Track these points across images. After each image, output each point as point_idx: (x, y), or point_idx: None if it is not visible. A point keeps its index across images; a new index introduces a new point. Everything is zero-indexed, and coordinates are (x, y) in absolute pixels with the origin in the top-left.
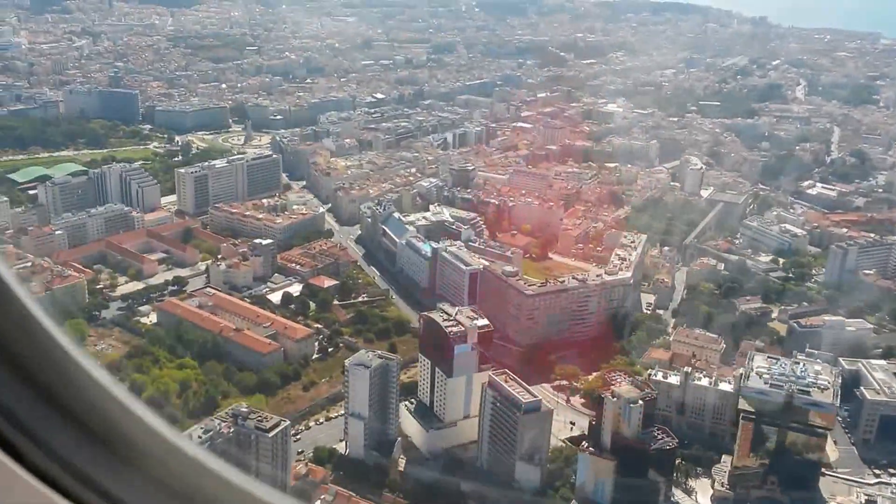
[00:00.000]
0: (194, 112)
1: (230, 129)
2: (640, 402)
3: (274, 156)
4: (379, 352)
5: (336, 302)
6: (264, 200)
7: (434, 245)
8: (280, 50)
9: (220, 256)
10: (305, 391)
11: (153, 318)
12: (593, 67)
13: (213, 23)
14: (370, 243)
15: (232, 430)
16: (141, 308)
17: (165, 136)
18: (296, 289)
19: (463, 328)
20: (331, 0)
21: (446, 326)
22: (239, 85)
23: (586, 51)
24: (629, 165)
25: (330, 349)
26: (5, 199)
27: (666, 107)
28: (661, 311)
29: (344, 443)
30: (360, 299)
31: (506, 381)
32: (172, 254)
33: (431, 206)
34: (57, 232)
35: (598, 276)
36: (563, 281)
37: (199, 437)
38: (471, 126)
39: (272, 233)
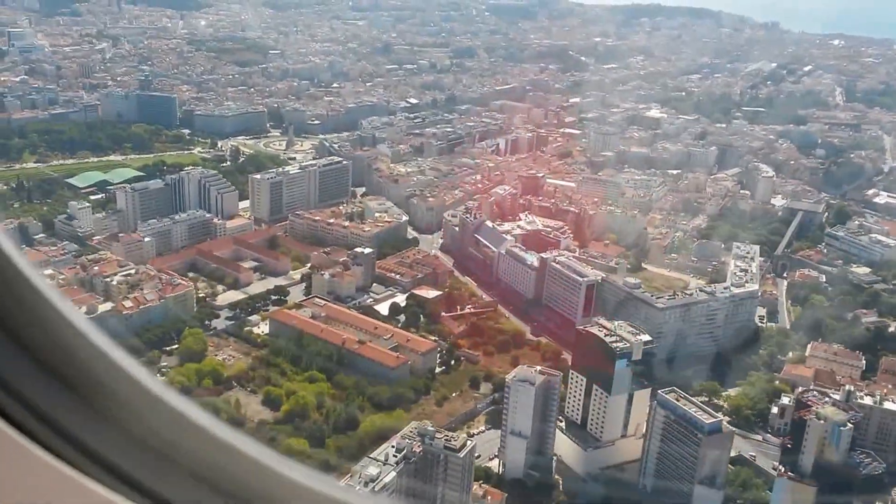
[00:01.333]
0: (234, 117)
1: (269, 134)
2: (850, 424)
3: (344, 162)
4: (539, 367)
5: (444, 313)
6: (340, 207)
7: (542, 255)
8: (303, 54)
9: (310, 265)
10: (439, 406)
11: (264, 328)
12: (617, 72)
13: (224, 26)
14: (457, 252)
15: (421, 449)
16: (249, 318)
17: (208, 140)
18: (399, 299)
19: (628, 343)
20: (339, 3)
21: (610, 342)
22: (268, 89)
23: (606, 55)
24: (694, 172)
25: (451, 362)
26: (87, 204)
27: (708, 112)
28: (773, 325)
29: (499, 462)
30: (468, 310)
31: (678, 400)
32: (263, 262)
33: (522, 215)
34: (146, 239)
35: (725, 288)
36: (692, 293)
37: (394, 456)
38: (521, 132)
39: (359, 241)
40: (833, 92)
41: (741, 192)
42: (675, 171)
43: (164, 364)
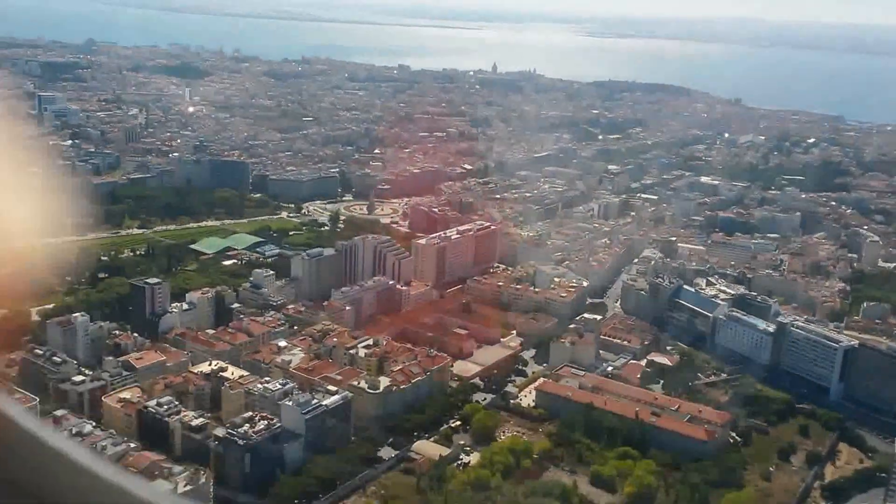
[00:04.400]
0: (309, 181)
1: (344, 199)
2: None
3: (492, 227)
4: None
5: (698, 380)
6: (506, 272)
7: (782, 319)
8: (336, 121)
9: (516, 332)
10: (766, 481)
11: (526, 399)
12: (625, 143)
13: (234, 94)
14: (647, 315)
15: None
16: (507, 389)
17: (291, 205)
18: (634, 365)
19: None
20: (336, 75)
21: None
22: (317, 154)
23: (608, 126)
24: (803, 237)
25: (735, 433)
26: (271, 272)
27: (738, 178)
28: None
29: None
30: (721, 377)
31: None
32: (470, 329)
33: (699, 280)
34: (347, 308)
35: None
36: None
37: None
38: (609, 197)
39: (556, 307)
40: (848, 161)
41: (848, 255)
42: (773, 236)
43: (463, 443)
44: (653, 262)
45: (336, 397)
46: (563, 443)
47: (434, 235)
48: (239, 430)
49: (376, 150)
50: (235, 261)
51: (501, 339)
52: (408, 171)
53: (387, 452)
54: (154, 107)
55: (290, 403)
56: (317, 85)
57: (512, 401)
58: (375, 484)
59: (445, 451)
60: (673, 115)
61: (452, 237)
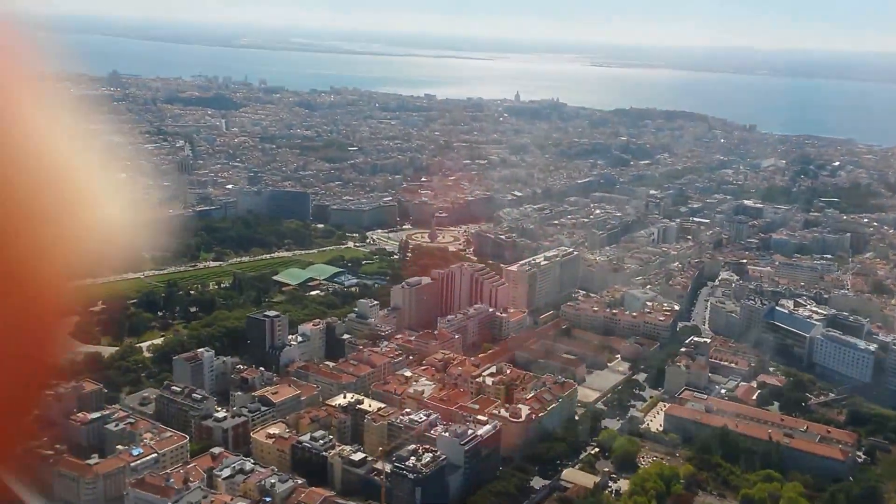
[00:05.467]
0: (370, 210)
1: (403, 227)
2: None
3: (574, 253)
4: None
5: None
6: (590, 296)
7: (883, 338)
8: (380, 150)
9: (620, 356)
10: None
11: (654, 423)
12: (656, 168)
13: (269, 124)
14: (736, 336)
15: None
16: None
17: (355, 234)
18: (746, 387)
19: None
20: (367, 105)
21: None
22: (368, 184)
23: (637, 152)
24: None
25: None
26: (376, 302)
27: (785, 203)
28: None
29: None
30: (829, 397)
31: None
32: (577, 354)
33: (784, 301)
34: (456, 336)
35: None
36: None
37: None
38: (666, 221)
39: (657, 330)
40: (876, 183)
41: None
42: (828, 256)
43: (607, 469)
44: (733, 285)
45: (487, 427)
46: (703, 467)
47: (523, 262)
48: (405, 463)
49: (423, 179)
50: (318, 291)
51: (608, 364)
52: (462, 198)
53: (536, 481)
54: (198, 138)
55: (447, 435)
56: (349, 115)
57: (640, 426)
58: None
59: (593, 479)
60: (694, 141)
61: (541, 263)
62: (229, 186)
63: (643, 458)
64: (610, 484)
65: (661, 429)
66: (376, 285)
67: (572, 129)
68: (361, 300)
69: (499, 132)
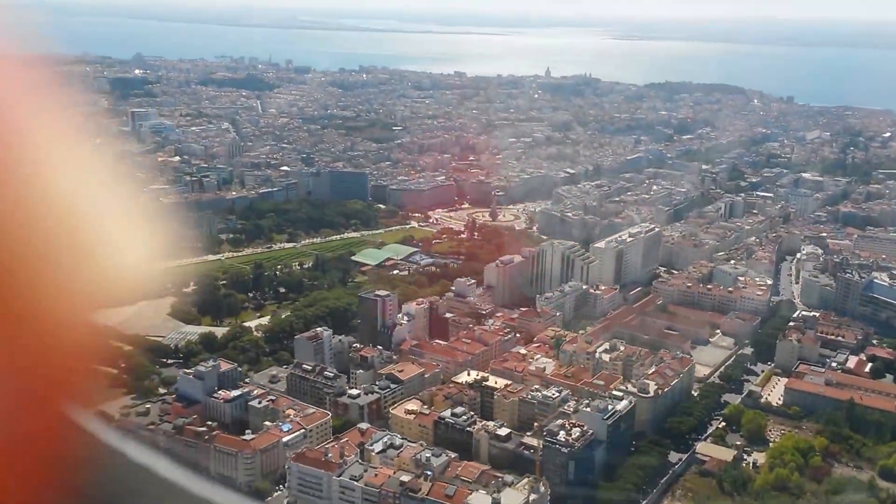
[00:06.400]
0: (429, 190)
1: (462, 206)
2: None
3: (657, 229)
4: None
5: None
6: (676, 272)
7: None
8: (425, 129)
9: (721, 331)
10: None
11: (772, 397)
12: (702, 143)
13: (305, 105)
14: (834, 307)
15: None
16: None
17: (418, 214)
18: (857, 360)
19: None
20: (399, 83)
21: None
22: (418, 163)
23: (679, 128)
24: None
25: None
26: (472, 281)
27: (842, 175)
28: None
29: None
30: None
31: None
32: (676, 329)
33: (876, 273)
34: (557, 314)
35: None
36: None
37: None
38: (732, 196)
39: (755, 305)
40: None
41: None
42: None
43: (739, 443)
44: (820, 258)
45: (624, 402)
46: (834, 439)
47: (610, 239)
48: (556, 437)
49: (471, 157)
50: (397, 271)
51: (710, 339)
52: (518, 176)
53: (671, 455)
54: (241, 120)
55: (589, 410)
56: (383, 94)
57: (760, 400)
58: (679, 487)
59: (729, 452)
60: (734, 114)
61: (627, 240)
62: (284, 168)
63: (769, 431)
64: (745, 457)
65: (780, 402)
66: (453, 264)
67: (608, 105)
68: (459, 279)
69: (535, 109)
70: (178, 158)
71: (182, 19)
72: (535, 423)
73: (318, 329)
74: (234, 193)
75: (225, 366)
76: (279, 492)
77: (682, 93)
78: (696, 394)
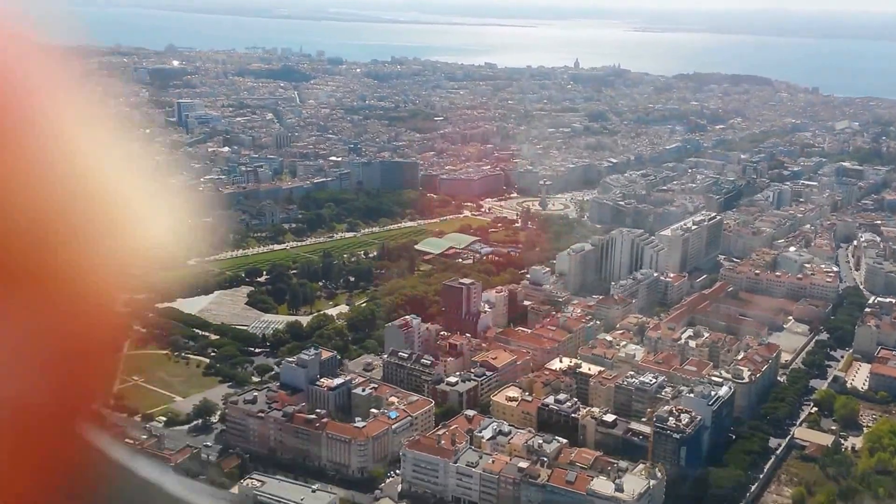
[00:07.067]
0: (479, 180)
1: (511, 195)
2: None
3: (718, 217)
4: None
5: None
6: (736, 259)
7: None
8: (465, 120)
9: (793, 318)
10: None
11: (856, 382)
12: (735, 132)
13: (343, 95)
14: (889, 293)
15: None
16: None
17: (470, 203)
18: None
19: None
20: (433, 75)
21: None
22: (462, 154)
23: (710, 117)
24: None
25: None
26: (547, 269)
27: (880, 164)
28: None
29: None
30: None
31: None
32: (750, 316)
33: None
34: (633, 301)
35: None
36: None
37: None
38: (779, 185)
39: (826, 291)
40: None
41: None
42: None
43: (833, 428)
44: (880, 245)
45: (725, 388)
46: None
47: (675, 226)
48: (666, 423)
49: (513, 147)
50: (460, 259)
51: (784, 326)
52: (563, 166)
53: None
54: (284, 110)
55: (692, 396)
56: (418, 85)
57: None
58: (783, 472)
59: (827, 437)
60: (762, 104)
61: (692, 227)
62: (333, 158)
63: (861, 416)
64: (842, 442)
65: (865, 387)
66: (513, 252)
67: (638, 96)
68: (534, 267)
69: (568, 100)
70: (227, 149)
71: (205, 10)
72: (649, 410)
73: (408, 317)
74: (288, 183)
75: (326, 354)
76: (391, 478)
77: (710, 83)
78: (782, 379)
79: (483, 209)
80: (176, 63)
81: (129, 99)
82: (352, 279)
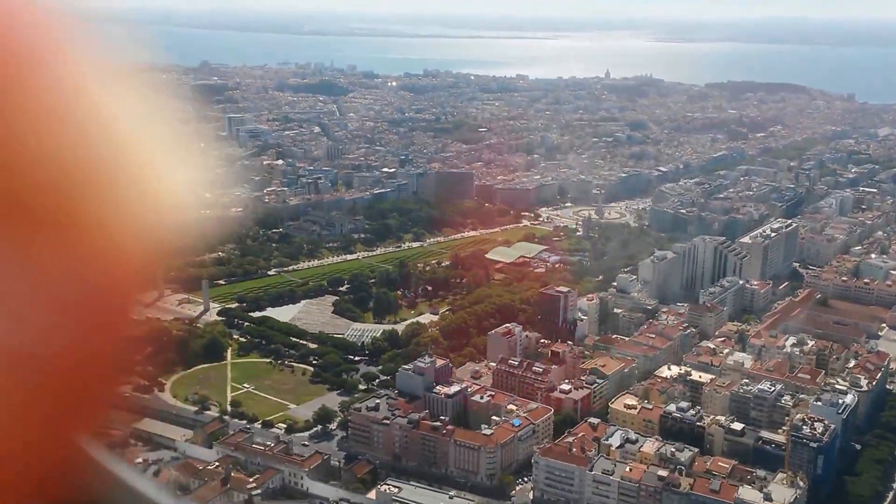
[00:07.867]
0: (534, 189)
1: (566, 205)
2: None
3: (795, 224)
4: None
5: None
6: (812, 267)
7: None
8: (512, 130)
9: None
10: None
11: None
12: (777, 141)
13: (381, 108)
14: None
15: None
16: None
17: (528, 213)
18: None
19: None
20: (468, 87)
21: None
22: (511, 164)
23: (751, 126)
24: None
25: None
26: (633, 277)
27: None
28: None
29: None
30: None
31: None
32: (849, 324)
33: None
34: (723, 309)
35: None
36: None
37: None
38: (841, 192)
39: None
40: None
41: None
42: None
43: None
44: None
45: (850, 396)
46: None
47: (755, 233)
48: (801, 432)
49: (558, 157)
50: (531, 268)
51: (879, 333)
52: (615, 175)
53: None
54: (329, 124)
55: (820, 404)
56: (454, 97)
57: None
58: None
59: None
60: (798, 112)
61: (772, 235)
62: (386, 169)
63: None
64: None
65: None
66: (582, 261)
67: (673, 105)
68: (621, 275)
69: (604, 109)
70: (281, 162)
71: (232, 27)
72: (787, 419)
73: (510, 325)
74: (348, 194)
75: (440, 362)
76: (521, 485)
77: (745, 92)
78: (890, 387)
79: (541, 218)
80: (215, 79)
81: (179, 115)
82: (429, 288)
